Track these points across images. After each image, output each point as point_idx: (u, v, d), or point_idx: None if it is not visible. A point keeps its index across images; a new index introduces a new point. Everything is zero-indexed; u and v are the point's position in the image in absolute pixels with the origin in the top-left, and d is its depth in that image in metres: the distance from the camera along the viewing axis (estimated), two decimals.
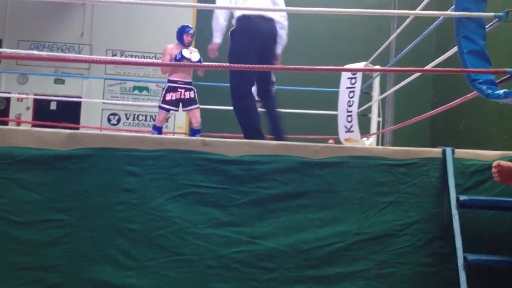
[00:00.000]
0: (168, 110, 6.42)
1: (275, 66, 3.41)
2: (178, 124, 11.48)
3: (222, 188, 3.03)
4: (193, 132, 6.44)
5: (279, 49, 4.45)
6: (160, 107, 6.43)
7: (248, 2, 4.17)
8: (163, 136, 3.30)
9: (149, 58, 11.23)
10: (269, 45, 4.25)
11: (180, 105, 6.48)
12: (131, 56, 11.39)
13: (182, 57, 6.21)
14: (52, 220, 2.93)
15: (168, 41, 11.21)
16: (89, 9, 11.36)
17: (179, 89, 6.38)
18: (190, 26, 6.52)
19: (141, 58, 11.27)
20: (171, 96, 6.34)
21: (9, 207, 2.90)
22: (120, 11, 11.18)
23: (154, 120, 11.71)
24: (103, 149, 3.00)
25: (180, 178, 3.02)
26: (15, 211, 2.90)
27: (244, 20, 4.15)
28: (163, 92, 6.44)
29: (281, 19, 4.37)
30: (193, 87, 6.47)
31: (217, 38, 4.25)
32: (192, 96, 6.41)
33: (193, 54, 6.37)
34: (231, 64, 3.93)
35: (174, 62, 6.34)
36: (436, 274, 3.02)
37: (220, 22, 4.20)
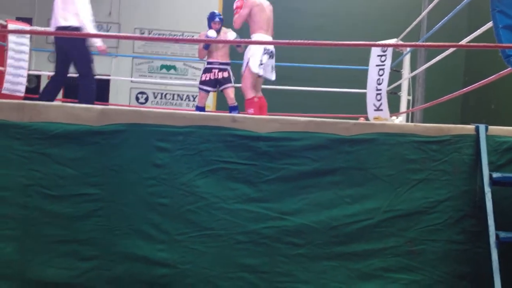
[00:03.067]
0: (206, 91, 6.73)
1: (308, 42, 3.39)
2: (206, 104, 11.51)
3: (251, 164, 3.04)
4: (230, 109, 6.60)
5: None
6: (199, 88, 6.81)
7: None
8: (193, 112, 3.32)
9: (177, 36, 11.24)
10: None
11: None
12: (159, 34, 11.42)
13: (207, 37, 6.49)
14: (85, 194, 2.98)
15: (195, 19, 11.28)
16: None
17: (213, 70, 6.63)
18: (217, 12, 6.73)
19: (168, 36, 11.28)
20: (206, 77, 6.66)
21: (43, 181, 2.95)
22: None
23: (181, 99, 11.80)
24: (134, 125, 3.03)
25: (209, 154, 3.04)
26: (49, 185, 2.95)
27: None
28: (201, 73, 6.80)
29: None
30: (227, 68, 6.66)
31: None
32: (226, 76, 6.62)
33: (222, 35, 6.63)
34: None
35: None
36: (467, 251, 2.99)
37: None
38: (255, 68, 5.55)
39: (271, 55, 5.67)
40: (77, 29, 5.06)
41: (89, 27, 5.15)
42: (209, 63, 6.71)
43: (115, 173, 3.00)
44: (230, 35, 6.56)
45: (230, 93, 6.60)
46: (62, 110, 3.06)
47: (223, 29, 6.70)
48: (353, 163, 3.06)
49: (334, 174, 3.05)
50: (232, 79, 6.66)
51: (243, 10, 5.62)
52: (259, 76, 5.72)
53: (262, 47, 5.52)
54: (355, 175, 3.06)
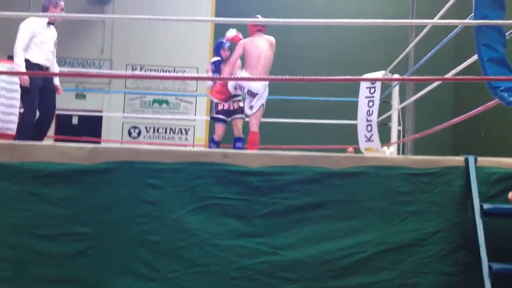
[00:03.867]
0: (223, 121, 6.26)
1: (297, 77, 3.45)
2: (198, 137, 11.56)
3: (243, 199, 3.04)
4: (235, 140, 6.24)
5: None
6: (214, 119, 6.34)
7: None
8: (182, 148, 3.33)
9: (168, 72, 11.33)
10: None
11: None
12: (151, 70, 11.52)
13: (217, 69, 6.19)
14: (76, 233, 2.96)
15: (187, 55, 11.41)
16: (109, 26, 11.52)
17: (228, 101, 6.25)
18: (224, 40, 6.35)
19: (160, 72, 11.37)
20: (223, 106, 6.22)
21: (34, 221, 2.94)
22: (138, 27, 11.33)
23: (174, 133, 11.82)
24: (124, 163, 3.04)
25: (200, 190, 3.04)
26: (39, 225, 2.94)
27: None
28: (214, 104, 6.35)
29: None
30: (240, 98, 6.34)
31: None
32: (242, 105, 6.24)
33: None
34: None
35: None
36: (460, 283, 2.98)
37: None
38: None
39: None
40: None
41: (17, 57, 5.04)
42: None
43: (105, 211, 2.99)
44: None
45: (239, 124, 6.25)
46: (52, 150, 3.07)
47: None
48: (344, 196, 3.07)
49: (325, 207, 3.06)
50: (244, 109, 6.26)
51: (234, 55, 5.85)
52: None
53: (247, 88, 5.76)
54: (346, 208, 3.06)
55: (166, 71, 11.35)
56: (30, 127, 5.13)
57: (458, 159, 3.12)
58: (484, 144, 9.57)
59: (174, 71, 11.29)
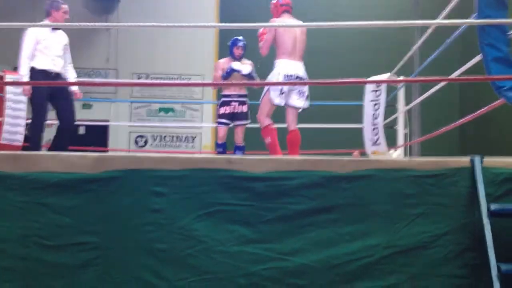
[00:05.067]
0: (226, 124, 6.14)
1: (301, 82, 3.44)
2: (205, 144, 11.57)
3: (249, 205, 3.03)
4: (236, 149, 6.17)
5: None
6: (218, 123, 6.23)
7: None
8: (187, 155, 3.33)
9: (174, 79, 11.38)
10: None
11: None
12: (156, 78, 11.56)
13: (232, 70, 5.98)
14: (83, 243, 2.96)
15: (192, 62, 11.44)
16: (114, 35, 11.59)
17: (232, 103, 6.11)
18: (241, 38, 6.14)
19: (165, 79, 11.42)
20: (225, 110, 6.11)
21: (42, 231, 2.95)
22: (143, 36, 11.38)
23: (181, 141, 11.85)
24: (129, 171, 3.04)
25: (206, 197, 3.03)
26: (46, 235, 2.95)
27: None
28: (218, 107, 6.26)
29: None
30: (246, 100, 6.18)
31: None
32: (245, 110, 6.14)
33: (244, 66, 6.05)
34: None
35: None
36: (469, 285, 2.96)
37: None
38: (274, 97, 5.06)
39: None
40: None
41: (20, 67, 5.03)
42: (226, 95, 6.15)
43: (112, 220, 2.99)
44: (245, 67, 6.02)
45: (240, 132, 6.16)
46: (57, 159, 3.07)
47: (243, 60, 6.14)
48: (350, 200, 3.05)
49: (331, 211, 3.04)
50: (249, 115, 6.15)
51: (267, 35, 5.14)
52: (289, 106, 5.21)
53: (282, 73, 5.01)
54: (353, 212, 3.05)
55: (171, 79, 11.40)
56: (39, 137, 5.11)
57: (464, 160, 3.10)
58: (493, 144, 9.51)
59: (180, 79, 11.33)
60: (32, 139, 5.13)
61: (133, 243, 2.98)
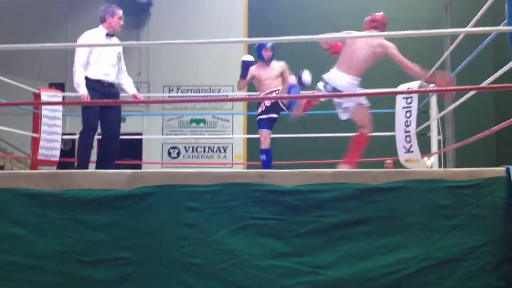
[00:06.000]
0: (273, 120, 5.48)
1: (331, 94, 3.43)
2: (237, 154, 11.62)
3: (281, 219, 3.03)
4: (290, 88, 5.32)
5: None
6: (260, 124, 5.51)
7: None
8: (219, 170, 3.35)
9: (204, 92, 11.49)
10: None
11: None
12: (187, 90, 11.69)
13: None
14: (119, 258, 3.00)
15: (222, 72, 11.51)
16: (145, 49, 11.79)
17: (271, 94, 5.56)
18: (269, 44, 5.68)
19: (196, 92, 11.55)
20: (267, 103, 5.44)
21: (78, 247, 3.00)
22: (174, 48, 11.53)
23: (212, 151, 11.92)
24: (163, 187, 3.08)
25: (238, 211, 3.04)
26: (83, 251, 3.00)
27: None
28: (260, 104, 5.60)
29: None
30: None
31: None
32: (267, 104, 5.47)
33: (308, 77, 5.42)
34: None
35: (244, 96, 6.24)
36: None
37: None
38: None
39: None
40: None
41: (75, 76, 4.88)
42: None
43: (146, 235, 3.03)
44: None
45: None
46: (94, 177, 3.14)
47: (274, 61, 5.70)
48: (384, 212, 3.03)
49: (365, 224, 3.02)
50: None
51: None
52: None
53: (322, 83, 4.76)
54: (387, 224, 3.02)
55: (202, 91, 11.52)
56: (88, 149, 4.97)
57: (500, 170, 3.04)
58: None
59: (210, 91, 11.43)
60: (80, 152, 5.04)
61: (167, 258, 3.01)
